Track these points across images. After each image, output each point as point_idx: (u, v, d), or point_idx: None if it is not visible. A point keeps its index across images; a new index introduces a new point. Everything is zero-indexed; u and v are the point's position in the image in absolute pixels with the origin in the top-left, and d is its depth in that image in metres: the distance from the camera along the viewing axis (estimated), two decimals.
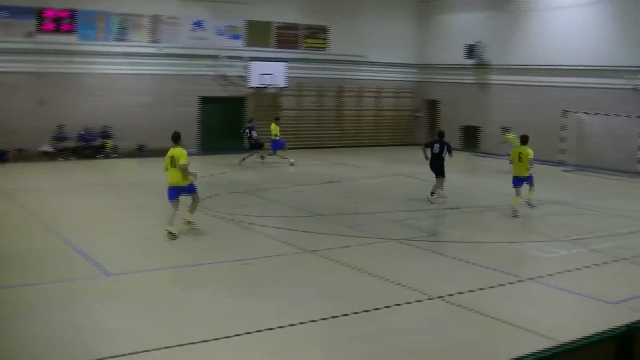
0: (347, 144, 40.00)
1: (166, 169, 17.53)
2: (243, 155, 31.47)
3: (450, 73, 40.48)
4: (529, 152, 21.20)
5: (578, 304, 13.03)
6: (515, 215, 20.79)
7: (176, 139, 17.64)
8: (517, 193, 21.21)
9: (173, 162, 17.30)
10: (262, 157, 31.51)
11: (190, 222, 17.81)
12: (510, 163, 21.74)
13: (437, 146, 23.26)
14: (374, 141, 41.09)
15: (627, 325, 6.39)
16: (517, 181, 21.20)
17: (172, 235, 17.03)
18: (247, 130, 31.85)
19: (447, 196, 23.35)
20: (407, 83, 42.54)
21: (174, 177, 17.38)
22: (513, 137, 30.83)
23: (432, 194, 22.91)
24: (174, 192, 17.51)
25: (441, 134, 24.00)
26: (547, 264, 15.79)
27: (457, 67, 39.75)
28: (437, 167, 23.08)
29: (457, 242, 17.67)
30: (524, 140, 21.71)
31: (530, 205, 21.55)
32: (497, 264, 15.40)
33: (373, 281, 14.07)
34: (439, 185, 23.05)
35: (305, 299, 12.78)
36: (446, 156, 23.09)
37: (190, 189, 17.73)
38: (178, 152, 17.35)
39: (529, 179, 21.32)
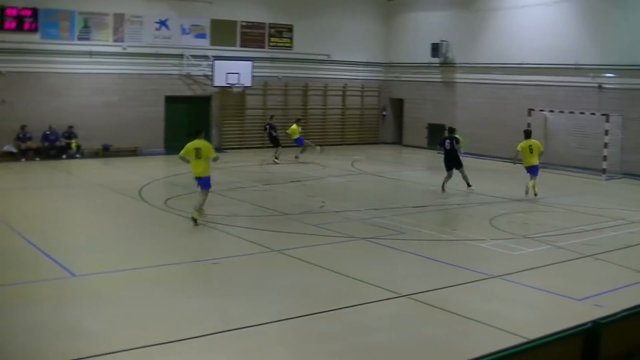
0: (313, 142, 39.90)
1: (183, 159, 18.89)
2: (274, 153, 32.93)
3: (415, 72, 40.56)
4: (539, 144, 24.35)
5: (545, 301, 13.11)
6: (527, 193, 23.83)
7: (198, 132, 19.19)
8: (531, 178, 23.87)
9: (198, 154, 18.51)
10: (296, 157, 33.47)
11: (194, 219, 18.58)
12: (517, 157, 24.58)
13: (447, 142, 25.15)
14: (340, 140, 41.09)
15: (593, 322, 6.41)
16: (529, 170, 24.00)
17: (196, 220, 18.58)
18: (266, 128, 34.02)
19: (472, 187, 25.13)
20: (373, 82, 42.58)
21: (198, 168, 18.66)
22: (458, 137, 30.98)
23: (444, 184, 25.00)
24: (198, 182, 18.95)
25: (451, 130, 26.12)
26: (514, 261, 15.86)
27: (422, 65, 39.85)
28: (451, 161, 25.02)
29: (425, 240, 17.70)
30: (528, 134, 24.65)
31: (535, 194, 23.83)
32: (465, 262, 15.44)
33: (341, 280, 14.05)
34: (463, 175, 24.94)
35: (272, 298, 12.73)
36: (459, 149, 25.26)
37: (207, 183, 18.89)
38: (205, 144, 18.87)
39: (536, 168, 24.08)
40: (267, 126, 33.98)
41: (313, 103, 40.36)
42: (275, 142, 33.29)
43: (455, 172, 24.69)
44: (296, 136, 33.35)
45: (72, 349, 10.08)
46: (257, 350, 10.37)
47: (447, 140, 25.08)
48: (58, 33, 32.26)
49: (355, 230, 18.51)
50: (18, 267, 14.52)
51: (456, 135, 25.39)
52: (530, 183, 23.80)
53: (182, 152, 18.85)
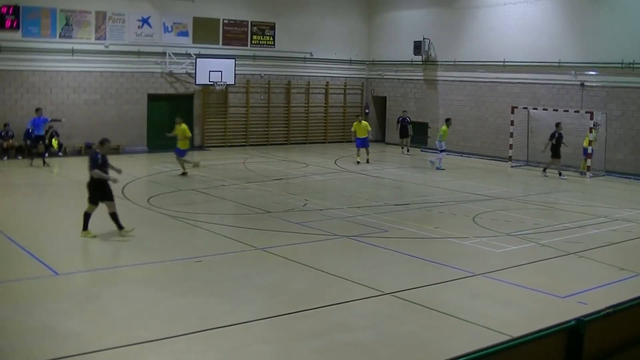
0: (296, 140, 39.96)
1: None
2: (406, 144, 37.52)
3: (398, 69, 40.58)
4: None
5: (528, 298, 13.12)
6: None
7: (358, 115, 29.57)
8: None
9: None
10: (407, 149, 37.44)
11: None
12: None
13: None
14: (322, 138, 41.08)
15: (577, 319, 6.42)
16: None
17: None
18: (407, 119, 37.67)
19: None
20: (355, 80, 42.60)
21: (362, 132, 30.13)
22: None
23: (545, 169, 29.86)
24: None
25: (557, 125, 29.48)
26: (497, 259, 15.88)
27: (404, 63, 39.91)
28: (554, 150, 29.36)
29: (408, 237, 17.69)
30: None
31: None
32: (448, 260, 15.46)
33: (324, 278, 14.04)
34: (557, 163, 29.49)
35: (255, 296, 12.71)
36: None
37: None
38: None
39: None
40: (408, 118, 37.65)
41: (296, 101, 40.30)
42: (406, 134, 37.26)
43: None
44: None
45: (57, 348, 10.04)
46: (240, 349, 10.34)
47: (556, 134, 29.31)
48: (39, 31, 32.07)
49: (338, 228, 18.51)
50: (2, 266, 14.45)
51: (560, 131, 29.08)
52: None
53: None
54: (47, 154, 31.02)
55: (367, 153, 32.36)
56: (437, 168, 30.61)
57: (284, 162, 31.87)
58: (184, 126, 27.53)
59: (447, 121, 31.66)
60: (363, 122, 33.01)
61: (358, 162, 31.92)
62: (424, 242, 17.39)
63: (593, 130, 29.19)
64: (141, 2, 34.68)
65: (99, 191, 16.87)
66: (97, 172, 16.69)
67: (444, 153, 31.06)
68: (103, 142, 17.21)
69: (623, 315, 7.07)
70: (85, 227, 16.87)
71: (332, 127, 41.81)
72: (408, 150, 36.92)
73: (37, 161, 28.64)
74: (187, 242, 17.07)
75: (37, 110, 29.51)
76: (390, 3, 41.06)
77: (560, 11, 32.55)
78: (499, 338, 9.11)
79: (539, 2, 33.17)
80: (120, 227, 16.95)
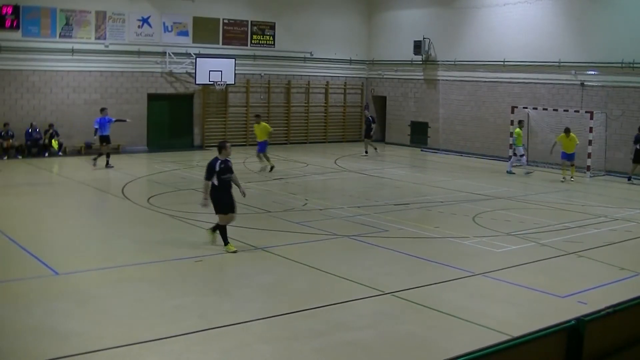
0: (296, 140, 39.95)
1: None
2: (370, 144, 35.68)
3: (398, 69, 40.55)
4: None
5: (528, 298, 13.12)
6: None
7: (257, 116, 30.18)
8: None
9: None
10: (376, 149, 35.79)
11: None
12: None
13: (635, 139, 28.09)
14: (322, 138, 41.08)
15: (577, 319, 6.41)
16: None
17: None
18: (374, 119, 36.24)
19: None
20: (355, 79, 42.58)
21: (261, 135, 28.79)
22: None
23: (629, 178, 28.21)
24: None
25: None
26: (498, 258, 15.87)
27: (405, 63, 39.88)
28: (638, 156, 27.84)
29: (408, 237, 17.68)
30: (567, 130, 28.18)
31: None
32: (448, 260, 15.45)
33: (323, 277, 14.04)
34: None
35: (255, 296, 12.72)
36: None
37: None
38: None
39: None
40: (372, 117, 36.18)
41: (296, 101, 40.30)
42: (369, 134, 35.47)
43: None
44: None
45: (57, 348, 10.05)
46: (240, 348, 10.34)
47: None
48: (39, 31, 32.06)
49: (338, 227, 18.50)
50: (1, 266, 14.45)
51: None
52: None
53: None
54: (47, 154, 31.07)
55: (266, 159, 29.01)
56: (507, 171, 29.98)
57: (284, 162, 31.85)
58: None
59: (520, 123, 30.60)
60: (262, 123, 29.78)
61: (271, 168, 28.76)
62: (424, 242, 17.39)
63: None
64: (141, 2, 34.67)
65: (220, 200, 15.89)
66: (205, 184, 15.81)
67: (524, 158, 30.36)
68: (220, 147, 15.95)
69: (623, 315, 7.06)
70: (225, 242, 15.92)
71: (332, 127, 41.80)
72: (376, 149, 35.54)
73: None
74: (187, 242, 17.04)
75: (102, 110, 29.18)
76: (390, 3, 41.03)
77: (560, 11, 32.56)
78: (499, 338, 9.10)
79: (539, 2, 33.17)
80: (226, 242, 15.95)
